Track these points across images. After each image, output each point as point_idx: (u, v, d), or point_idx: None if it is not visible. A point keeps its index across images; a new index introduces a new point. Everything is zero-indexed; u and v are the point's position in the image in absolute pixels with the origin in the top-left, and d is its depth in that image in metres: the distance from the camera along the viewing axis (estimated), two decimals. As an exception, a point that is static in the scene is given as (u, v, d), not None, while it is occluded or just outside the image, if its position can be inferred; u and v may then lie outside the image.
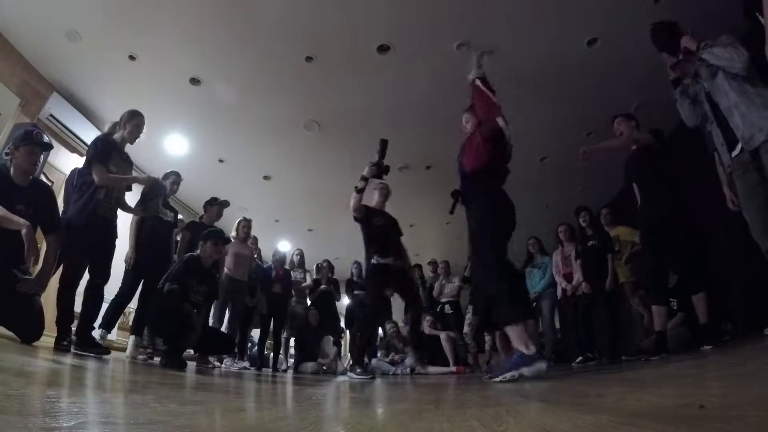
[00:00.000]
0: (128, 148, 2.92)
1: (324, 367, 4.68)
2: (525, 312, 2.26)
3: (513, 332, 2.04)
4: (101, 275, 2.65)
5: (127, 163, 2.87)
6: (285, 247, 7.71)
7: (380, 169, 3.29)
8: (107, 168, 2.61)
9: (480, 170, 2.28)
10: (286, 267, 5.24)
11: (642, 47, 2.40)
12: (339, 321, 5.64)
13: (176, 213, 3.80)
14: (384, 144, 3.28)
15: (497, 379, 1.94)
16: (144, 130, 2.90)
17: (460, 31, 3.77)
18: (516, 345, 2.00)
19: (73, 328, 2.61)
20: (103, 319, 3.14)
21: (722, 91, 1.99)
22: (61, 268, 2.66)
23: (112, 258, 2.77)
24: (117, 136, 2.81)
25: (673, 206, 2.70)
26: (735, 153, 1.99)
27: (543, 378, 1.87)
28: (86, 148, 4.62)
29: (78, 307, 2.65)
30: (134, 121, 2.82)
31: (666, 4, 3.32)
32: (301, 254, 5.54)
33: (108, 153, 2.66)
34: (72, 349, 2.45)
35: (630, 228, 4.23)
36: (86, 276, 2.66)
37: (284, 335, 5.14)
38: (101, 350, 2.53)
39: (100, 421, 0.59)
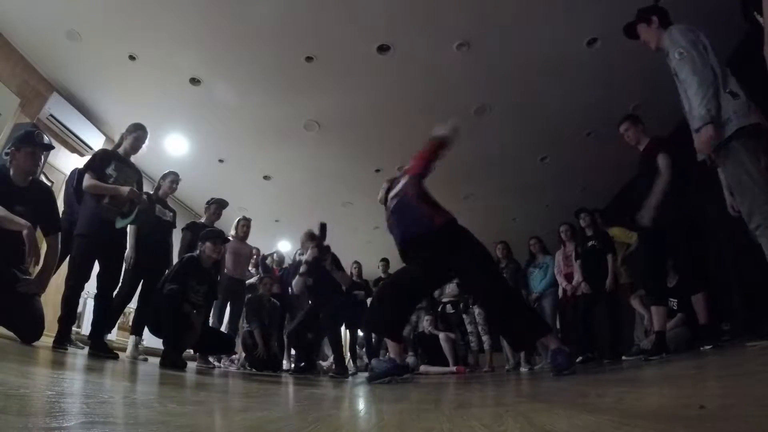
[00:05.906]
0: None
1: (324, 368, 4.67)
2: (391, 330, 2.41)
3: (389, 344, 2.38)
4: (109, 283, 2.77)
5: (131, 169, 2.97)
6: (285, 247, 7.71)
7: (321, 251, 3.67)
8: (97, 176, 2.72)
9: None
10: (285, 267, 5.21)
11: (642, 47, 2.39)
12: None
13: (175, 213, 3.80)
14: (323, 228, 3.74)
15: (375, 381, 2.20)
16: (146, 143, 3.05)
17: (460, 31, 3.77)
18: (391, 355, 2.35)
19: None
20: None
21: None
22: (64, 269, 2.68)
23: (120, 265, 2.94)
24: (121, 149, 2.97)
25: (673, 207, 2.69)
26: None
27: (543, 378, 1.87)
28: (86, 148, 4.67)
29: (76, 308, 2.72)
30: (134, 134, 2.98)
31: (666, 4, 3.31)
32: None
33: (102, 163, 2.79)
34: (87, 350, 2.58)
35: (624, 229, 4.23)
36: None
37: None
38: (112, 356, 2.59)
39: (100, 421, 0.59)
